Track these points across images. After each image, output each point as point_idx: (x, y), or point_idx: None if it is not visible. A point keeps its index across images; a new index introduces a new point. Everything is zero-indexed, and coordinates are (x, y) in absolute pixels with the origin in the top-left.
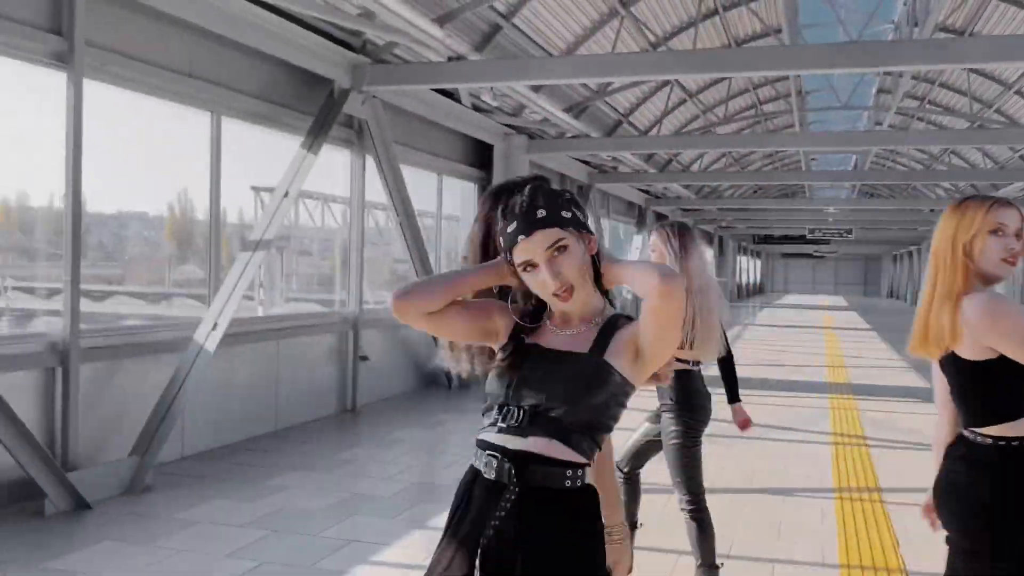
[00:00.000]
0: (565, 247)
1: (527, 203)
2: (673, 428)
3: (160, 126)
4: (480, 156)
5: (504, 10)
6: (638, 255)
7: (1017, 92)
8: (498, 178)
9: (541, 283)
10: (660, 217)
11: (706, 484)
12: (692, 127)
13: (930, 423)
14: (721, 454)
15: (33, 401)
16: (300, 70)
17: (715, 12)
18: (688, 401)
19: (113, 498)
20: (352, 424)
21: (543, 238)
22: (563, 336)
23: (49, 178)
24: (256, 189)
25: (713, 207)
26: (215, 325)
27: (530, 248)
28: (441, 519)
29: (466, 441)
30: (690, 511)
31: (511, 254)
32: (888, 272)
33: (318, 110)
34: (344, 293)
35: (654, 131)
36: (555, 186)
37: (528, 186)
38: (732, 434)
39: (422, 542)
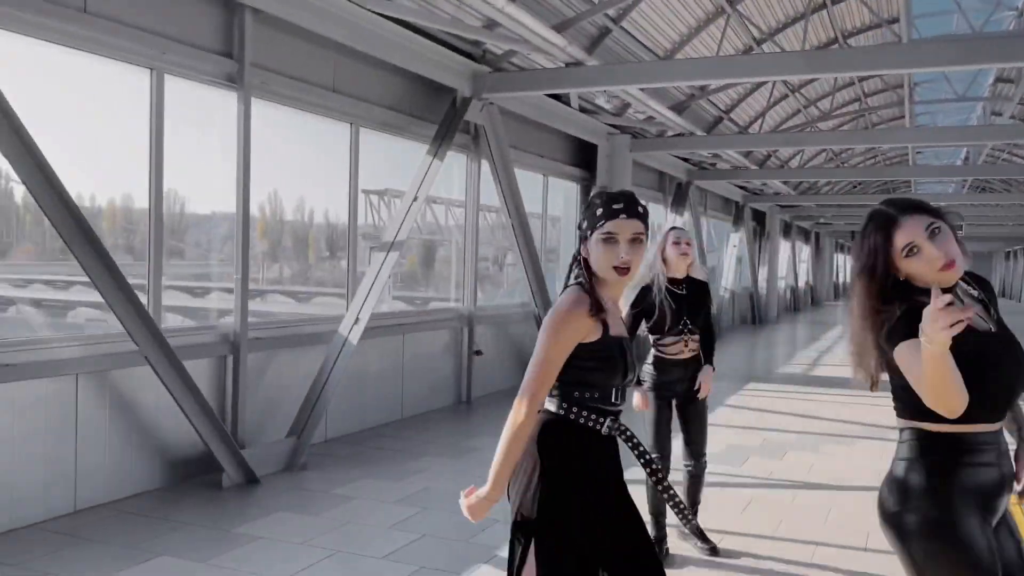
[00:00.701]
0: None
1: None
2: None
3: (304, 137)
4: (584, 156)
5: (613, 14)
6: (733, 253)
7: None
8: (602, 178)
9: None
10: (757, 214)
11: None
12: (793, 122)
13: None
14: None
15: (210, 385)
16: (426, 81)
17: (823, 6)
18: None
19: (276, 474)
20: (468, 414)
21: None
22: (615, 320)
23: (207, 187)
24: (366, 192)
25: (811, 203)
26: (357, 319)
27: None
28: None
29: None
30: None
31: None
32: (999, 270)
33: (442, 118)
34: (459, 292)
35: (755, 127)
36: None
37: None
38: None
39: None
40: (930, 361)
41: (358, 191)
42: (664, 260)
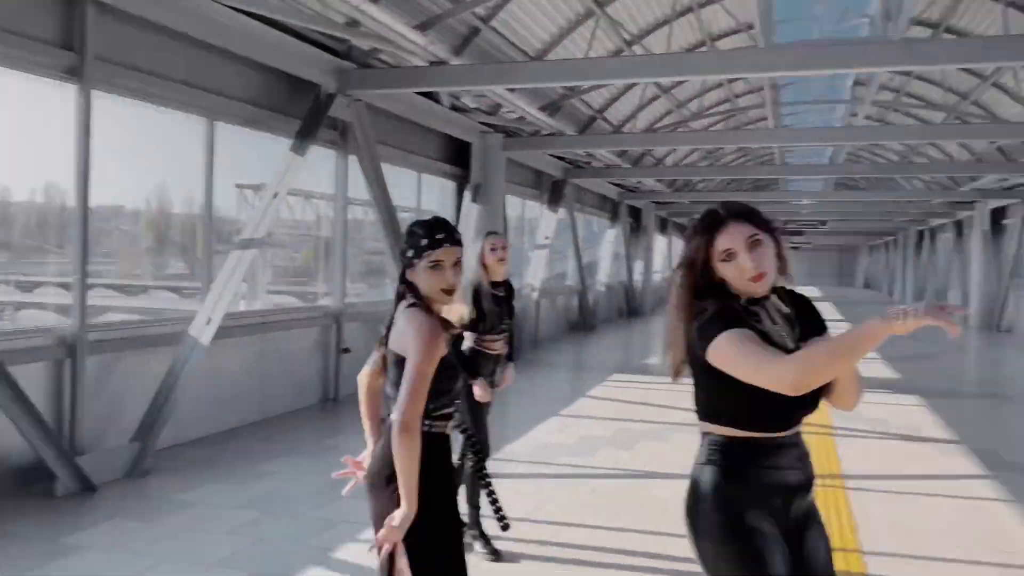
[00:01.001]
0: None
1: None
2: None
3: (157, 132)
4: (458, 154)
5: (483, 13)
6: (609, 249)
7: (994, 84)
8: (476, 175)
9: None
10: (633, 211)
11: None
12: (666, 122)
13: (895, 412)
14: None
15: (46, 390)
16: (289, 76)
17: (689, 9)
18: None
19: (117, 481)
20: (334, 412)
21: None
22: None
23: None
24: (240, 187)
25: (685, 200)
26: (209, 320)
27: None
28: None
29: None
30: None
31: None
32: (863, 263)
33: (305, 113)
34: (327, 287)
35: (628, 126)
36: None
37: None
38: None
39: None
40: (866, 341)
41: (213, 185)
42: (484, 265)
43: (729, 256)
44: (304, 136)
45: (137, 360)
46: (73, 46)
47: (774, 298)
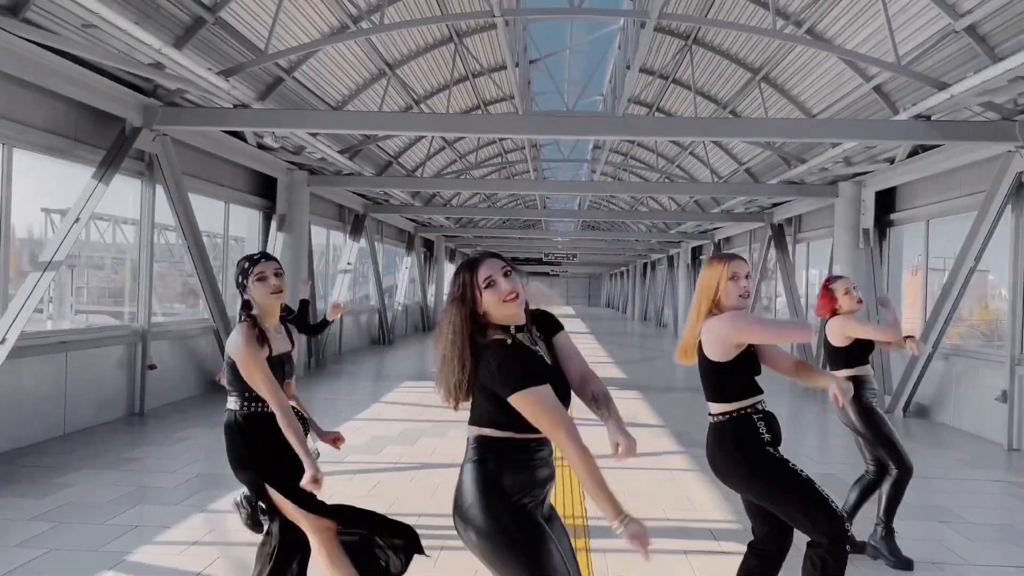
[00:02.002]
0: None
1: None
2: None
3: None
4: (265, 187)
5: (286, 65)
6: (406, 274)
7: (691, 153)
8: (282, 207)
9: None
10: (427, 242)
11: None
12: (451, 169)
13: (619, 404)
14: (458, 435)
15: None
16: (93, 109)
17: (466, 78)
18: None
19: None
20: (140, 426)
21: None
22: (276, 341)
23: None
24: (47, 211)
25: (470, 235)
26: (3, 339)
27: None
28: (219, 503)
29: None
30: None
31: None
32: (606, 287)
33: (110, 145)
34: (134, 307)
35: (419, 171)
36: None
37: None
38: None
39: (204, 523)
40: (598, 499)
41: (11, 210)
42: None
43: (490, 283)
44: (108, 166)
45: None
46: None
47: (533, 329)
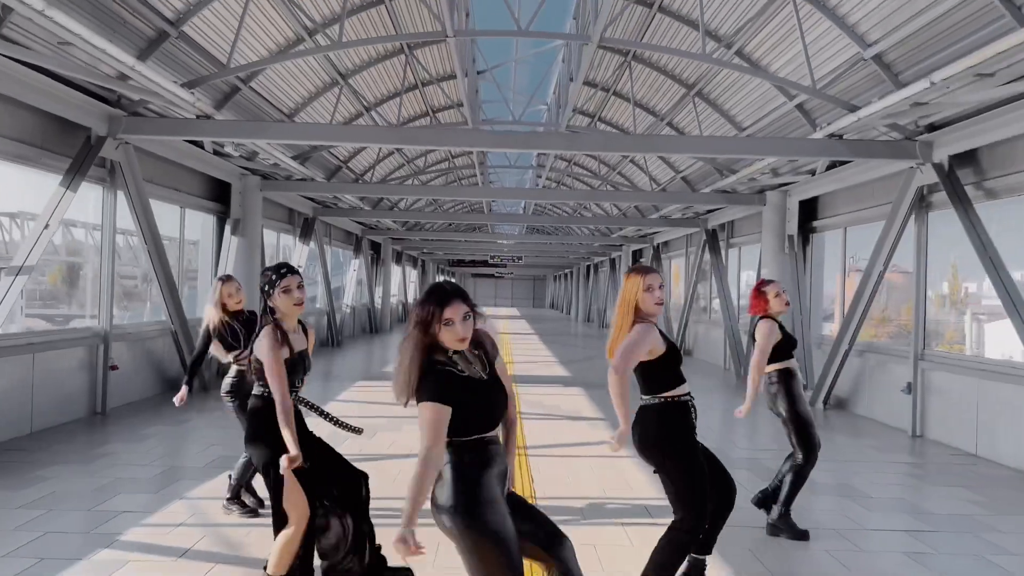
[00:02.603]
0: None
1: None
2: None
3: None
4: (220, 192)
5: (244, 76)
6: (354, 276)
7: (632, 161)
8: (235, 211)
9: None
10: (374, 244)
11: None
12: (399, 173)
13: (565, 400)
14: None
15: None
16: (60, 118)
17: (416, 86)
18: None
19: None
20: (102, 424)
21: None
22: (295, 340)
23: None
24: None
25: (417, 237)
26: None
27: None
28: (196, 491)
29: (210, 434)
30: None
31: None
32: (551, 289)
33: (76, 153)
34: (95, 310)
35: (368, 175)
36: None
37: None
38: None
39: (186, 508)
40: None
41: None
42: (223, 305)
43: (448, 323)
44: (74, 173)
45: None
46: None
47: (468, 347)
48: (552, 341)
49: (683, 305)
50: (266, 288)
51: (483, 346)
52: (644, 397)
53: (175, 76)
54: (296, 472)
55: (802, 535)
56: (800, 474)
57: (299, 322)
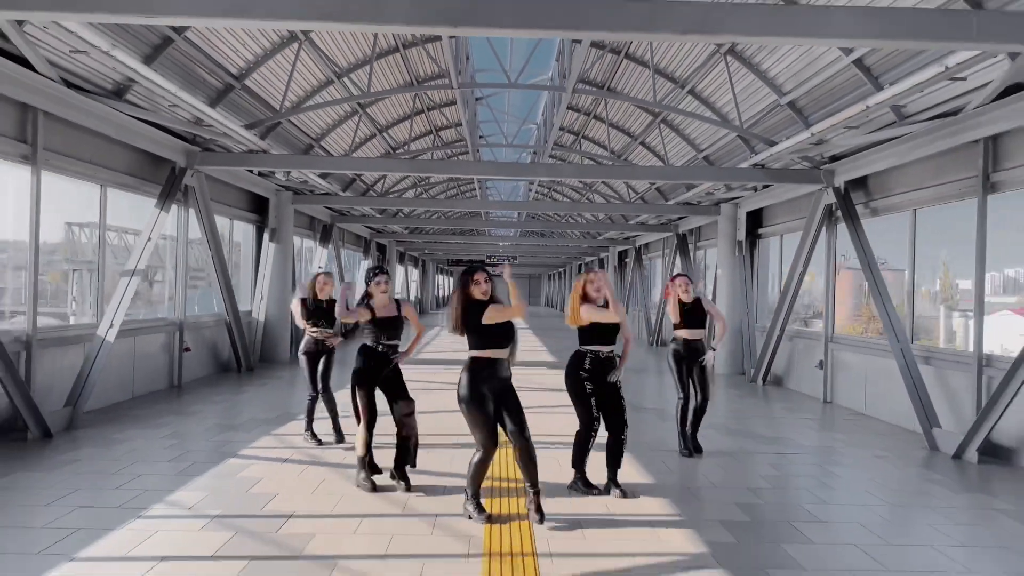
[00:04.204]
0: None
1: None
2: None
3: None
4: (259, 205)
5: (284, 113)
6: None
7: (642, 143)
8: (272, 222)
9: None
10: (380, 246)
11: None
12: (405, 183)
13: (556, 380)
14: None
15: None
16: (152, 154)
17: (422, 111)
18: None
19: (61, 431)
20: (181, 393)
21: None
22: (381, 309)
23: None
24: (70, 224)
25: (419, 240)
26: (112, 324)
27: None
28: (281, 429)
29: (262, 400)
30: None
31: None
32: (545, 287)
33: (164, 180)
34: (172, 304)
35: (379, 185)
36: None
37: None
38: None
39: (271, 439)
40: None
41: (106, 232)
42: (315, 291)
43: (476, 283)
44: (166, 197)
45: (58, 353)
46: (26, 139)
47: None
48: (545, 335)
49: (659, 301)
50: (367, 281)
51: (498, 300)
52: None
53: (238, 119)
54: (363, 389)
55: (696, 453)
56: (681, 409)
57: (395, 300)
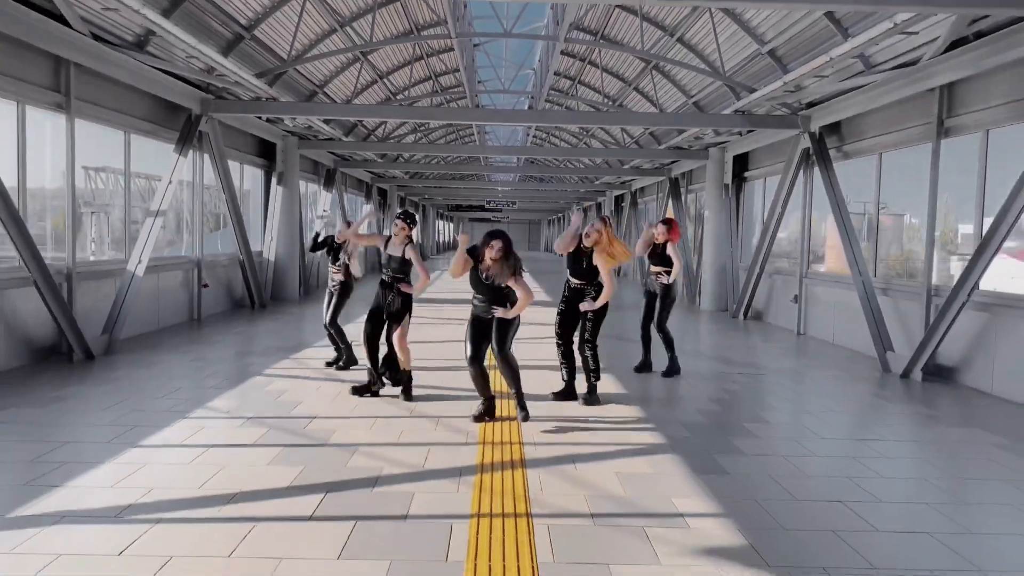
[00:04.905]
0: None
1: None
2: None
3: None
4: (267, 150)
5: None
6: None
7: (635, 89)
8: (279, 166)
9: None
10: (382, 191)
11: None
12: (405, 128)
13: (543, 314)
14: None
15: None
16: (169, 102)
17: (421, 57)
18: None
19: (101, 355)
20: (200, 327)
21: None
22: (390, 246)
23: None
24: (86, 168)
25: (420, 185)
26: (140, 260)
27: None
28: (299, 354)
29: (272, 332)
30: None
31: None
32: (544, 233)
33: (181, 126)
34: (191, 240)
35: (380, 131)
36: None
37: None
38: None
39: (290, 362)
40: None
41: (130, 177)
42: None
43: (491, 248)
44: (183, 142)
45: (94, 286)
46: (60, 89)
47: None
48: (543, 279)
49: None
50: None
51: (504, 265)
52: None
53: (249, 68)
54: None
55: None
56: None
57: (409, 238)
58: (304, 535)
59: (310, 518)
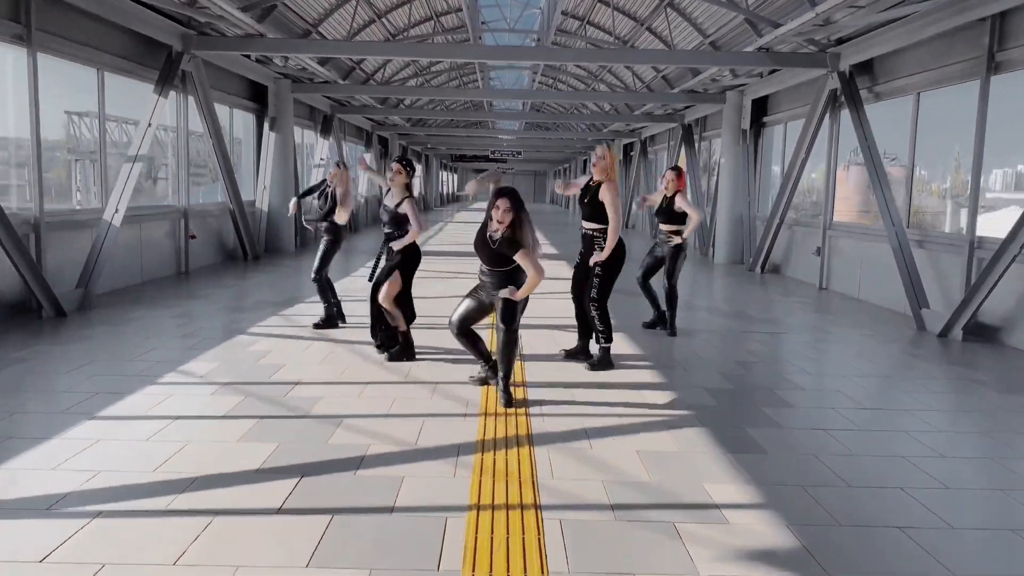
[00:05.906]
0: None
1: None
2: None
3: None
4: (258, 93)
5: None
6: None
7: (648, 28)
8: (272, 111)
9: None
10: (383, 139)
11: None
12: (405, 72)
13: (556, 269)
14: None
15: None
16: (147, 37)
17: None
18: None
19: (74, 311)
20: (188, 280)
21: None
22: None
23: None
24: (68, 113)
25: (422, 133)
26: (116, 209)
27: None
28: (288, 310)
29: (265, 285)
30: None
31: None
32: (550, 185)
33: (161, 65)
34: (179, 189)
35: (379, 75)
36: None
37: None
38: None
39: (278, 319)
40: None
41: (104, 117)
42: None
43: (497, 208)
44: (163, 82)
45: (67, 236)
46: (20, 20)
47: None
48: (548, 230)
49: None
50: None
51: (513, 229)
52: None
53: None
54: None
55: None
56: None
57: (408, 189)
58: (269, 534)
59: (279, 511)
